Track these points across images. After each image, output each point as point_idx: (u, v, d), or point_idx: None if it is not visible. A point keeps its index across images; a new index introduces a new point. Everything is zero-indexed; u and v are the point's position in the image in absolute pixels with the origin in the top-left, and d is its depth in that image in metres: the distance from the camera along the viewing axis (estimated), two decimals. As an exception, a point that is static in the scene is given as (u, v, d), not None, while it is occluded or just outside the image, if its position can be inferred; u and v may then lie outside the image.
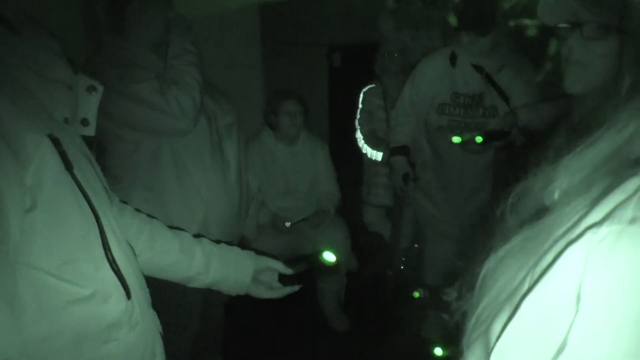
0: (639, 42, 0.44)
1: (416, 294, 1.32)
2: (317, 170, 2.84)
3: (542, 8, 1.02)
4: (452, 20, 3.49)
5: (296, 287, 1.22)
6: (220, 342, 2.33)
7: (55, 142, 0.73)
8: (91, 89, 0.88)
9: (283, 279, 1.21)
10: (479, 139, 2.06)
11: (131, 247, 0.98)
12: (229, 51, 3.23)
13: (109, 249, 0.81)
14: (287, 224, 2.71)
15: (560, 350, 0.38)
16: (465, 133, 2.24)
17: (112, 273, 0.81)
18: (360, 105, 3.22)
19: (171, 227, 1.17)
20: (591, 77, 1.00)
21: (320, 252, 1.25)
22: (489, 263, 0.52)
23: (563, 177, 0.47)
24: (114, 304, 0.82)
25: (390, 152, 2.54)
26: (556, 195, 0.48)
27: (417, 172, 2.50)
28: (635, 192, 0.37)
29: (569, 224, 0.42)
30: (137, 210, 1.16)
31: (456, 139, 2.15)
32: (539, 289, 0.41)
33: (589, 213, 0.40)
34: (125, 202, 1.15)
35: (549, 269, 0.41)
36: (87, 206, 0.77)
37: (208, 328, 2.24)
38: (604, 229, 0.37)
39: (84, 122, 0.88)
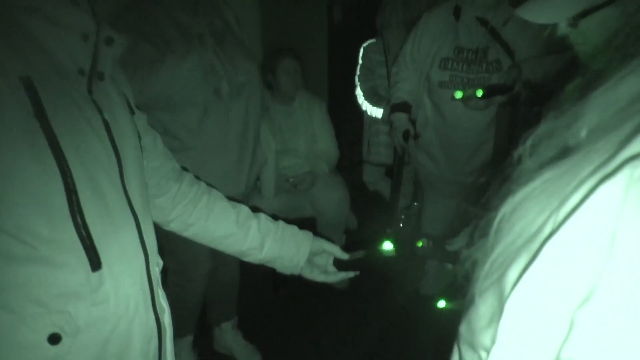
0: None
1: (419, 243, 1.32)
2: (314, 129, 2.79)
3: None
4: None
5: (351, 274, 1.19)
6: (234, 301, 2.35)
7: (28, 84, 0.67)
8: (110, 41, 0.81)
9: (339, 264, 1.19)
10: (479, 93, 2.00)
11: (150, 221, 0.92)
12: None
13: (79, 212, 0.72)
14: (290, 180, 2.69)
15: (587, 298, 0.34)
16: (467, 89, 2.18)
17: (76, 238, 0.73)
18: (360, 61, 3.14)
19: (230, 199, 1.15)
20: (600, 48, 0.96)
21: (379, 240, 1.25)
22: (506, 207, 0.47)
23: (592, 112, 0.42)
24: (69, 273, 0.74)
25: (391, 109, 2.49)
26: (583, 133, 0.43)
27: (418, 130, 2.46)
28: None
29: (599, 161, 0.37)
30: (197, 178, 1.13)
31: (458, 94, 2.09)
32: (565, 230, 0.37)
33: (626, 146, 0.35)
34: (186, 170, 1.12)
35: (577, 208, 0.36)
36: (52, 159, 0.69)
37: (221, 287, 2.27)
38: None
39: (100, 76, 0.81)
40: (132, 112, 0.92)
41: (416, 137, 2.45)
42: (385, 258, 1.24)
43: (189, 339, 2.25)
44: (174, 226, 1.10)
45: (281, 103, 2.71)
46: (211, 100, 1.76)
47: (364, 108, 3.12)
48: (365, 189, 3.49)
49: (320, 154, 2.80)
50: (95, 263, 0.76)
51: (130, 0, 1.74)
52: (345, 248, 1.19)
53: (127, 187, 0.83)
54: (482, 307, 0.47)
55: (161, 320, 0.93)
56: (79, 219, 0.73)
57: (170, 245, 1.66)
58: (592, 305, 0.34)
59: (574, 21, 0.94)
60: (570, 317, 0.35)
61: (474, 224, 0.54)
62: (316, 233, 2.65)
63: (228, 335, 2.37)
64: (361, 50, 3.12)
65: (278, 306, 2.73)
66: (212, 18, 1.81)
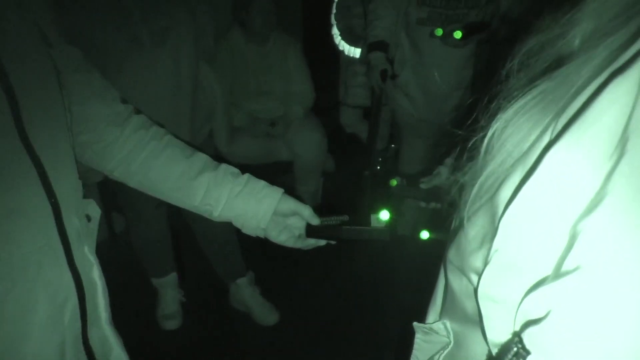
0: None
1: (393, 182, 1.25)
2: (289, 70, 2.72)
3: None
4: None
5: (321, 242, 1.03)
6: (239, 258, 2.29)
7: None
8: None
9: (308, 229, 1.00)
10: (457, 35, 1.96)
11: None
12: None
13: None
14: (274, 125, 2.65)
15: (595, 205, 0.30)
16: (446, 25, 2.14)
17: None
18: (336, 0, 3.04)
19: (192, 147, 1.02)
20: None
21: (372, 207, 1.02)
22: (496, 124, 0.43)
23: (586, 19, 0.38)
24: None
25: (368, 48, 2.43)
26: (577, 42, 0.39)
27: (396, 69, 2.41)
28: None
29: (601, 65, 0.34)
30: (150, 122, 1.00)
31: (438, 31, 2.05)
32: (568, 136, 0.33)
33: (636, 43, 0.32)
34: (139, 112, 1.00)
35: (581, 112, 0.33)
36: None
37: (218, 248, 2.22)
38: None
39: None
40: (49, 44, 0.79)
41: (394, 76, 2.41)
42: (376, 231, 0.99)
43: (172, 277, 2.26)
44: (117, 175, 0.98)
45: (255, 43, 2.62)
46: (129, 51, 1.63)
47: (340, 48, 3.04)
48: (342, 131, 3.46)
49: (296, 95, 2.75)
50: None
51: None
52: (321, 212, 1.02)
53: (28, 132, 0.71)
54: (472, 230, 0.45)
55: (82, 277, 0.82)
56: None
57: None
58: (601, 213, 0.31)
59: None
60: (573, 227, 0.33)
61: (459, 149, 0.51)
62: (293, 176, 2.63)
63: (245, 291, 2.30)
64: (337, -13, 3.01)
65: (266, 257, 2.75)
66: None
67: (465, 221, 0.46)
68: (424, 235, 1.63)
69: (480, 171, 0.44)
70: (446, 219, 0.56)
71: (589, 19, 0.38)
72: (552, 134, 0.37)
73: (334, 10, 3.04)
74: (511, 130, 0.42)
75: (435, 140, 2.51)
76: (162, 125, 1.79)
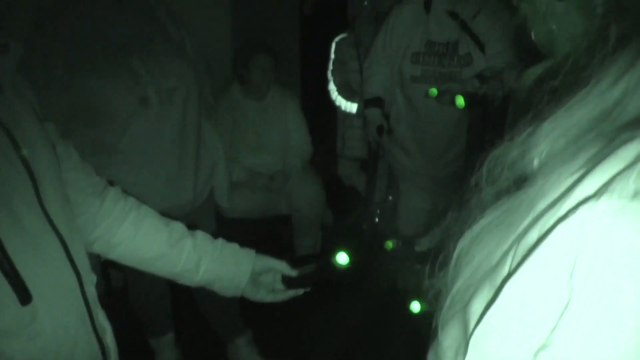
0: None
1: (389, 245, 1.27)
2: (287, 124, 2.77)
3: None
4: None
5: (301, 291, 1.10)
6: (238, 316, 2.24)
7: None
8: (4, 47, 0.73)
9: (287, 281, 1.08)
10: (460, 102, 2.01)
11: (80, 247, 0.84)
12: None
13: None
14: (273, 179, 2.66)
15: (547, 343, 0.33)
16: (440, 83, 2.19)
17: None
18: (332, 56, 3.12)
19: (165, 215, 1.05)
20: (559, 29, 0.95)
21: (332, 252, 1.13)
22: (464, 240, 0.46)
23: (543, 143, 0.41)
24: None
25: (364, 104, 2.48)
26: (536, 163, 0.42)
27: (392, 124, 2.46)
28: (636, 160, 0.31)
29: (554, 196, 0.36)
30: (126, 193, 1.02)
31: (433, 92, 2.10)
32: (524, 271, 0.36)
33: (580, 183, 0.34)
34: (111, 184, 1.02)
35: (535, 248, 0.35)
36: None
37: (216, 305, 2.17)
38: (602, 204, 0.31)
39: None
40: (41, 121, 0.83)
41: (390, 131, 2.45)
42: (340, 273, 1.12)
43: (169, 337, 2.21)
44: (97, 247, 0.98)
45: (253, 98, 2.68)
46: (137, 110, 1.66)
47: (337, 103, 3.10)
48: (340, 183, 3.48)
49: (294, 148, 2.78)
50: (24, 296, 0.68)
51: (47, 11, 1.62)
52: (294, 263, 1.09)
53: (46, 205, 0.76)
54: (446, 341, 0.46)
55: (104, 341, 0.86)
56: None
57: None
58: (551, 351, 0.32)
59: None
60: (534, 357, 0.34)
61: (435, 254, 0.53)
62: (292, 230, 2.62)
63: (243, 351, 2.25)
64: (333, 45, 3.10)
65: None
66: (139, 21, 1.70)
67: (440, 329, 0.47)
68: (415, 307, 1.61)
69: (452, 283, 0.46)
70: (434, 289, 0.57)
71: (543, 144, 0.40)
72: (512, 258, 0.38)
73: (330, 67, 3.12)
74: (478, 247, 0.44)
75: (432, 195, 2.53)
76: (166, 184, 1.81)
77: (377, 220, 2.98)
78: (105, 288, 2.74)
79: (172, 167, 1.80)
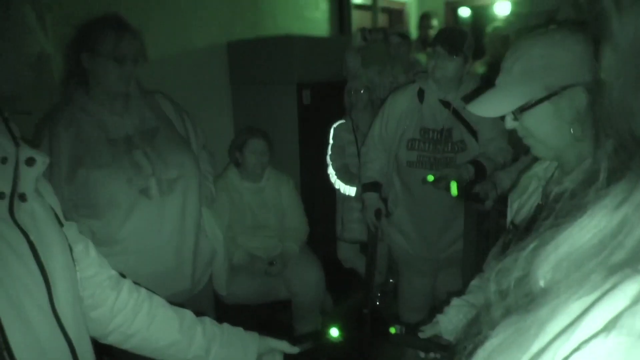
0: (612, 92, 0.38)
1: (392, 330, 1.27)
2: (283, 205, 2.82)
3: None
4: (420, 56, 3.57)
5: None
6: None
7: None
8: (31, 161, 0.78)
9: (290, 359, 1.20)
10: (454, 192, 2.08)
11: (85, 336, 0.87)
12: (199, 90, 3.23)
13: (7, 349, 0.67)
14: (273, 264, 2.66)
15: None
16: (435, 168, 2.25)
17: None
18: (331, 141, 3.22)
19: (173, 304, 1.09)
20: (547, 143, 1.03)
21: (325, 328, 1.27)
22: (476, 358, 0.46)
23: (547, 265, 0.42)
24: None
25: (362, 189, 2.53)
26: (542, 284, 0.43)
27: (390, 208, 2.49)
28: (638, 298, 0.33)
29: (564, 322, 0.37)
30: (137, 284, 1.06)
31: (430, 178, 2.16)
32: None
33: (588, 313, 0.35)
34: (124, 276, 1.05)
35: None
36: None
37: None
38: (611, 341, 0.32)
39: (22, 198, 0.77)
40: (61, 224, 0.88)
41: (388, 215, 2.48)
42: (334, 345, 1.25)
43: None
44: (112, 339, 1.01)
45: (249, 180, 2.75)
46: (138, 201, 1.70)
47: (336, 187, 3.16)
48: (340, 266, 3.46)
49: (290, 230, 2.81)
50: None
51: (54, 106, 1.72)
52: (293, 341, 1.19)
53: (58, 310, 0.78)
54: None
55: None
56: (7, 359, 0.67)
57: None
58: None
59: (516, 116, 1.02)
60: None
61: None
62: (292, 315, 2.58)
63: None
64: (332, 131, 3.21)
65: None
66: (143, 115, 1.77)
67: None
68: None
69: None
70: None
71: (546, 266, 0.42)
72: None
73: (329, 152, 3.21)
74: None
75: (433, 278, 2.51)
76: (164, 274, 1.79)
77: (377, 303, 2.94)
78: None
79: (171, 257, 1.81)
